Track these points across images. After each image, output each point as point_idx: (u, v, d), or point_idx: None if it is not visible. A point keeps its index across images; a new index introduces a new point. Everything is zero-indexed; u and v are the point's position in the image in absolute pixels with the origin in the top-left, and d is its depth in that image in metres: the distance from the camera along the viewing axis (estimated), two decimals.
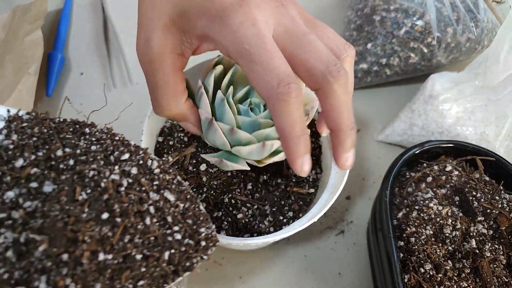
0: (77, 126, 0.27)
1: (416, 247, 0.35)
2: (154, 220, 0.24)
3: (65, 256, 0.21)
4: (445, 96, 0.46)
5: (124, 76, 0.58)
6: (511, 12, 0.39)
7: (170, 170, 0.27)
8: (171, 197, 0.25)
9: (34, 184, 0.23)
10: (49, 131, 0.25)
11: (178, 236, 0.24)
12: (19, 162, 0.23)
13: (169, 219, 0.24)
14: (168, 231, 0.24)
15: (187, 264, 0.24)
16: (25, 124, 0.25)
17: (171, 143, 0.38)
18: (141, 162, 0.25)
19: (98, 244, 0.21)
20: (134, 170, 0.24)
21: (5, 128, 0.25)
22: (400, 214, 0.38)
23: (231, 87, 0.34)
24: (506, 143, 0.45)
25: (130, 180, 0.24)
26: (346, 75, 0.27)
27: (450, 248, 0.36)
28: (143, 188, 0.24)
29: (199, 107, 0.33)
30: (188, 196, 0.26)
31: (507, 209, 0.37)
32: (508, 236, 0.36)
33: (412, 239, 0.36)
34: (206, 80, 0.34)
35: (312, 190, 0.39)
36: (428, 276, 0.34)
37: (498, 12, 0.61)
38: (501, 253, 0.36)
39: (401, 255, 0.35)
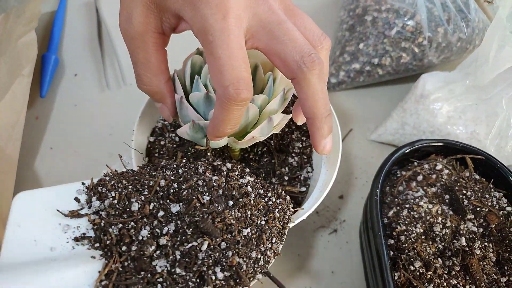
0: (149, 166, 0.31)
1: (406, 245, 0.35)
2: (254, 194, 0.30)
3: (223, 243, 0.26)
4: (436, 95, 0.46)
5: (118, 77, 0.59)
6: (499, 12, 0.39)
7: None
8: (251, 178, 0.32)
9: (161, 213, 0.27)
10: (135, 177, 0.29)
11: (273, 199, 0.31)
12: (135, 206, 0.27)
13: (261, 191, 0.31)
14: (266, 199, 0.31)
15: (286, 217, 0.32)
16: (112, 182, 0.28)
17: (162, 143, 0.39)
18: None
19: (238, 223, 0.27)
20: (224, 168, 0.31)
21: (93, 195, 0.28)
22: (390, 213, 0.38)
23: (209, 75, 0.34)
24: (496, 141, 0.45)
25: (223, 177, 0.30)
26: (321, 64, 0.27)
27: (440, 246, 0.36)
28: (234, 178, 0.30)
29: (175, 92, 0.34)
30: (254, 176, 0.33)
31: (496, 207, 0.38)
32: (498, 234, 0.37)
33: (402, 237, 0.36)
34: (184, 69, 0.34)
35: (303, 189, 0.39)
36: (418, 273, 0.34)
37: (490, 12, 0.61)
38: (490, 250, 0.36)
39: (391, 253, 0.36)
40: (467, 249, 0.36)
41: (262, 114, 0.33)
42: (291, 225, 0.32)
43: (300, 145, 0.41)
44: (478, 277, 0.35)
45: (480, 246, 0.36)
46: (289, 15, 0.29)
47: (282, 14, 0.28)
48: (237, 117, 0.27)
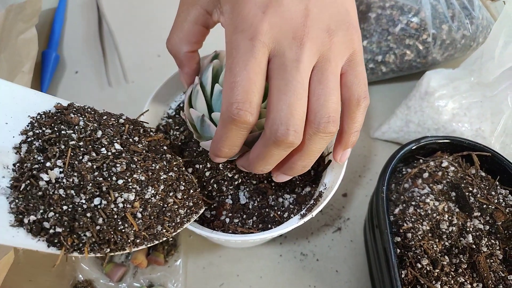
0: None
1: (413, 242, 0.35)
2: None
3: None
4: (440, 92, 0.46)
5: (119, 75, 0.58)
6: (506, 8, 0.39)
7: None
8: (163, 163, 0.32)
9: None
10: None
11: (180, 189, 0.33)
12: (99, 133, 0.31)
13: (172, 175, 0.32)
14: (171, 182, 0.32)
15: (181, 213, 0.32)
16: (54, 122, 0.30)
17: (167, 142, 0.38)
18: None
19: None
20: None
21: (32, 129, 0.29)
22: (396, 210, 0.38)
23: None
24: (501, 139, 0.45)
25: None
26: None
27: (447, 243, 0.36)
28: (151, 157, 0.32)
29: (195, 105, 0.33)
30: (177, 169, 0.33)
31: (503, 204, 0.37)
32: (504, 231, 0.36)
33: (409, 235, 0.36)
34: (203, 75, 0.34)
35: (308, 189, 0.39)
36: (425, 271, 0.34)
37: (492, 10, 0.61)
38: (497, 248, 0.36)
39: (398, 250, 0.35)
40: (474, 247, 0.35)
41: None
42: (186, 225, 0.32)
43: None
44: (485, 274, 0.34)
45: (487, 243, 0.36)
46: (348, 65, 0.28)
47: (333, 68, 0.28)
48: (236, 139, 0.27)
